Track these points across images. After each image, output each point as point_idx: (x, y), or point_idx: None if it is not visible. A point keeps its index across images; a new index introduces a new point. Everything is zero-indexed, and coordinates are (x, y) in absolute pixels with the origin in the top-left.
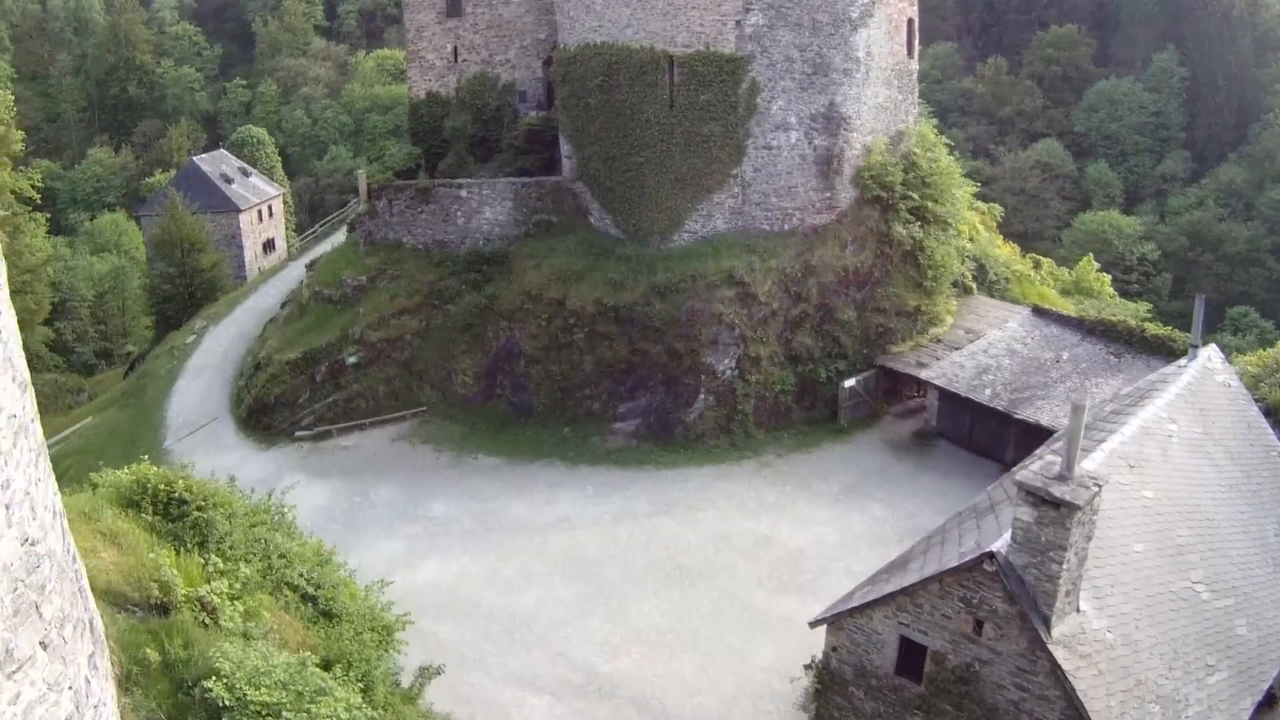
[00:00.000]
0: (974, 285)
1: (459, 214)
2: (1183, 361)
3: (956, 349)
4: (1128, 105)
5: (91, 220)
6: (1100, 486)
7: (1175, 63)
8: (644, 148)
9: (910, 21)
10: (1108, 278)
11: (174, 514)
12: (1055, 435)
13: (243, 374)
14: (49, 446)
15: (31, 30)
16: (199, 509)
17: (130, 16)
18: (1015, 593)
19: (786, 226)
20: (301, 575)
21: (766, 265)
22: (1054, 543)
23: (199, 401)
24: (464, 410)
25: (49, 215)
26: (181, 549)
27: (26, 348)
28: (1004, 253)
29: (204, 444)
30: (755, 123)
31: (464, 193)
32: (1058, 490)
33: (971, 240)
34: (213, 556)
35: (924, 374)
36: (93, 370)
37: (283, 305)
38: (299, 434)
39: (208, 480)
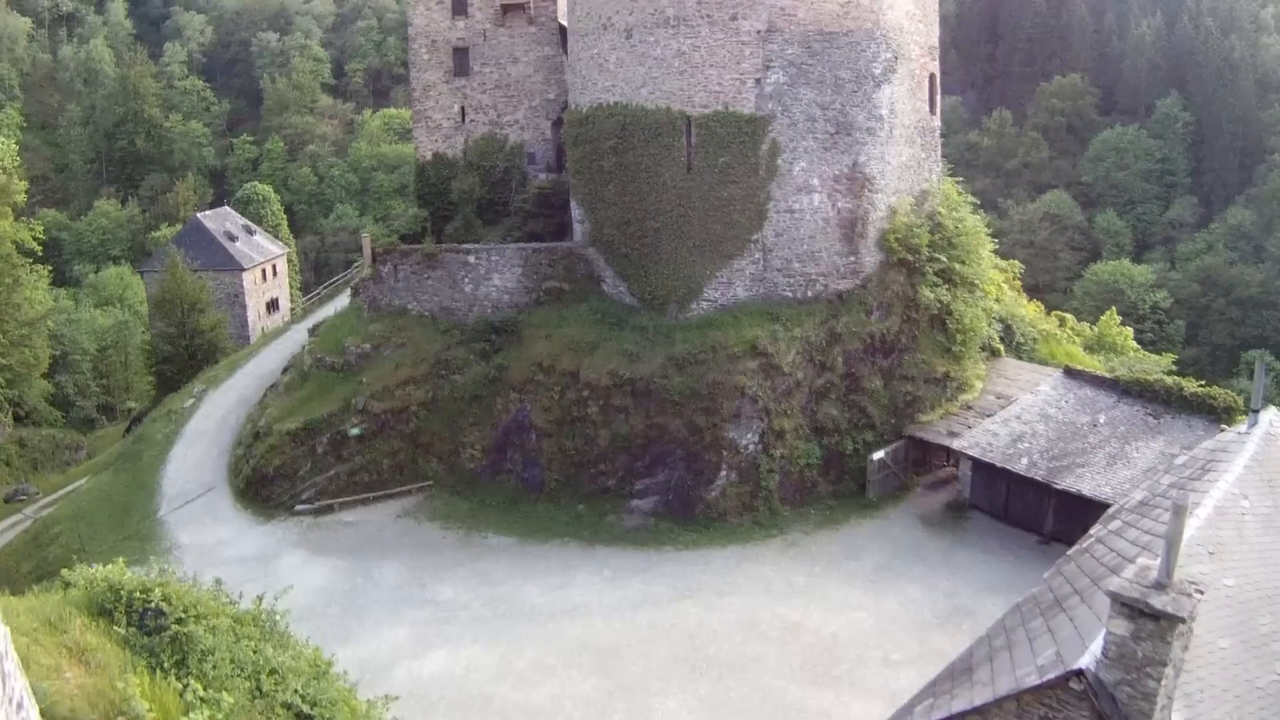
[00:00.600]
0: (1001, 347)
1: (466, 280)
2: (1243, 428)
3: (988, 416)
4: (1133, 153)
5: (96, 273)
6: (1202, 594)
7: (1179, 108)
8: (660, 212)
9: (932, 77)
10: (1129, 331)
11: (150, 626)
12: (1110, 512)
13: (241, 443)
14: (43, 509)
15: (42, 79)
16: (178, 622)
17: (140, 70)
18: (1106, 712)
19: (810, 293)
20: (296, 691)
21: (790, 334)
22: (1152, 658)
23: (196, 469)
24: (472, 486)
25: (53, 266)
26: (158, 668)
27: (23, 402)
28: (1029, 312)
29: (200, 515)
30: (776, 185)
31: (472, 258)
32: (1158, 601)
33: (997, 300)
34: (192, 681)
35: (956, 444)
36: (93, 425)
37: (284, 371)
38: (299, 508)
39: (189, 587)
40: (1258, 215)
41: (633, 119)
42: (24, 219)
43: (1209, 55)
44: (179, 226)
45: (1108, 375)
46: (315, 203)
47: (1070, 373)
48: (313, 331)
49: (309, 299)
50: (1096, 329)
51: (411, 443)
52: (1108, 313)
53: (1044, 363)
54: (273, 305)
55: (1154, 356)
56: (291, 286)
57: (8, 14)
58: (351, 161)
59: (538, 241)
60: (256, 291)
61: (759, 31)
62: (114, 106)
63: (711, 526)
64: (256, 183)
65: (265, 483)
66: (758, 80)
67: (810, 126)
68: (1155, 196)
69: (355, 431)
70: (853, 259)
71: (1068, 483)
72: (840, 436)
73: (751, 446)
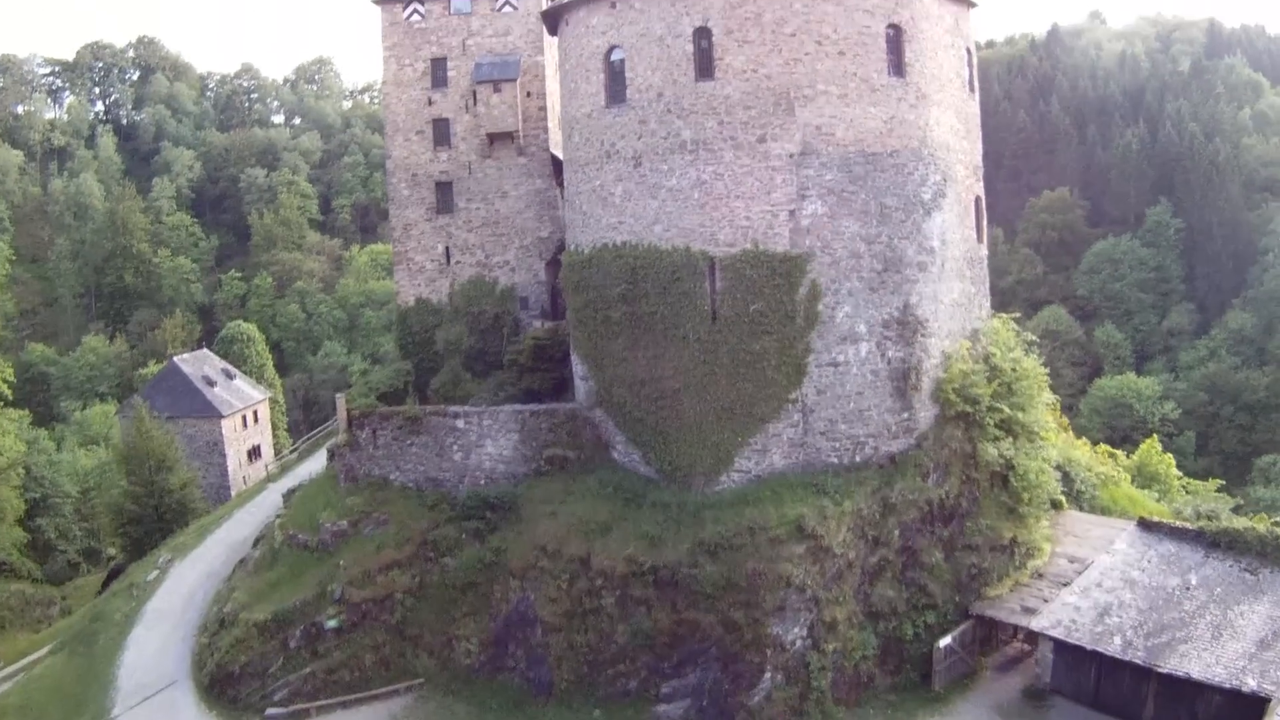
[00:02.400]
0: (1063, 499)
1: (456, 448)
2: None
3: (1063, 584)
4: (1128, 263)
5: (83, 409)
6: None
7: (1169, 215)
8: (681, 370)
9: (978, 200)
10: (1171, 458)
11: None
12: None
13: (207, 628)
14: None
15: (32, 212)
16: None
17: (128, 205)
18: None
19: (858, 458)
20: None
21: (840, 509)
22: None
23: (156, 657)
24: (469, 685)
25: (40, 401)
26: None
27: None
28: (1084, 453)
29: (158, 716)
30: (818, 334)
31: (461, 422)
32: None
33: (1053, 446)
34: None
35: (1035, 624)
36: (76, 570)
37: (255, 544)
38: (270, 712)
39: None
40: (1257, 318)
41: (645, 261)
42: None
43: (1195, 161)
44: (165, 364)
45: (1190, 527)
46: (303, 340)
47: (1145, 525)
48: (287, 498)
49: (289, 453)
50: (1136, 458)
51: (397, 635)
52: (1148, 441)
53: (1108, 511)
54: (254, 453)
55: (1198, 483)
56: (278, 428)
57: (0, 146)
58: (339, 298)
59: (535, 399)
60: (237, 439)
61: (792, 155)
62: (103, 241)
63: None
64: (241, 321)
65: (232, 681)
66: (792, 212)
67: (854, 264)
68: (1151, 306)
69: (333, 624)
70: (906, 416)
71: (1173, 664)
72: (898, 621)
73: (799, 642)
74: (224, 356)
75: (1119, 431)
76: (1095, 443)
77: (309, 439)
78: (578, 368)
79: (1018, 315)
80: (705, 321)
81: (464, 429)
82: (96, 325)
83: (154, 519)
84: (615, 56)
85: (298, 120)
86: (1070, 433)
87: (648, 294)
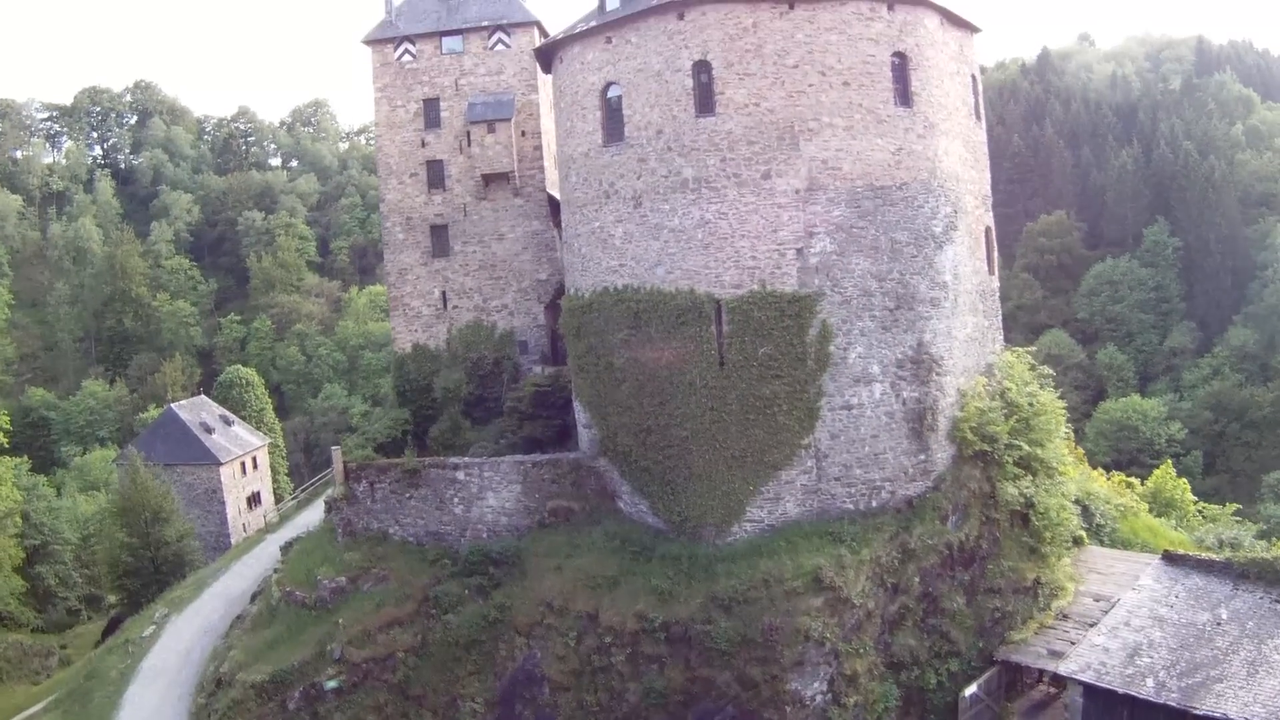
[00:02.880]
0: (1084, 533)
1: (456, 501)
2: None
3: (1090, 624)
4: (1127, 284)
5: (83, 454)
6: None
7: (1166, 234)
8: (688, 418)
9: (988, 231)
10: (1186, 483)
11: None
12: None
13: (204, 688)
14: None
15: (31, 256)
16: None
17: (127, 249)
18: None
19: (875, 503)
20: None
21: (858, 558)
22: None
23: (151, 718)
24: None
25: (40, 446)
26: None
27: None
28: (1101, 484)
29: None
30: (830, 377)
31: (461, 474)
32: None
33: (1072, 480)
34: None
35: (1063, 668)
36: (76, 617)
37: (252, 599)
38: None
39: None
40: (1259, 333)
41: (648, 305)
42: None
43: (1190, 178)
44: (163, 410)
45: (1217, 558)
46: (304, 382)
47: (1171, 558)
48: (285, 550)
49: (290, 499)
50: (1151, 483)
51: (400, 695)
52: (1163, 466)
53: (1128, 543)
54: (254, 500)
55: (1215, 508)
56: (278, 472)
57: None
58: (339, 340)
59: (536, 447)
60: (236, 486)
61: (798, 191)
62: (102, 285)
63: None
64: (240, 366)
65: None
66: (800, 250)
67: (866, 302)
68: (1153, 326)
69: (332, 684)
70: (923, 457)
71: (1209, 705)
72: (921, 670)
73: (819, 698)
74: (223, 401)
75: (1126, 454)
76: (1103, 468)
77: (308, 487)
78: (580, 415)
79: (1031, 350)
80: (712, 367)
81: (464, 481)
82: (96, 369)
83: (151, 571)
84: (612, 93)
85: (295, 163)
86: (1085, 463)
87: (651, 339)
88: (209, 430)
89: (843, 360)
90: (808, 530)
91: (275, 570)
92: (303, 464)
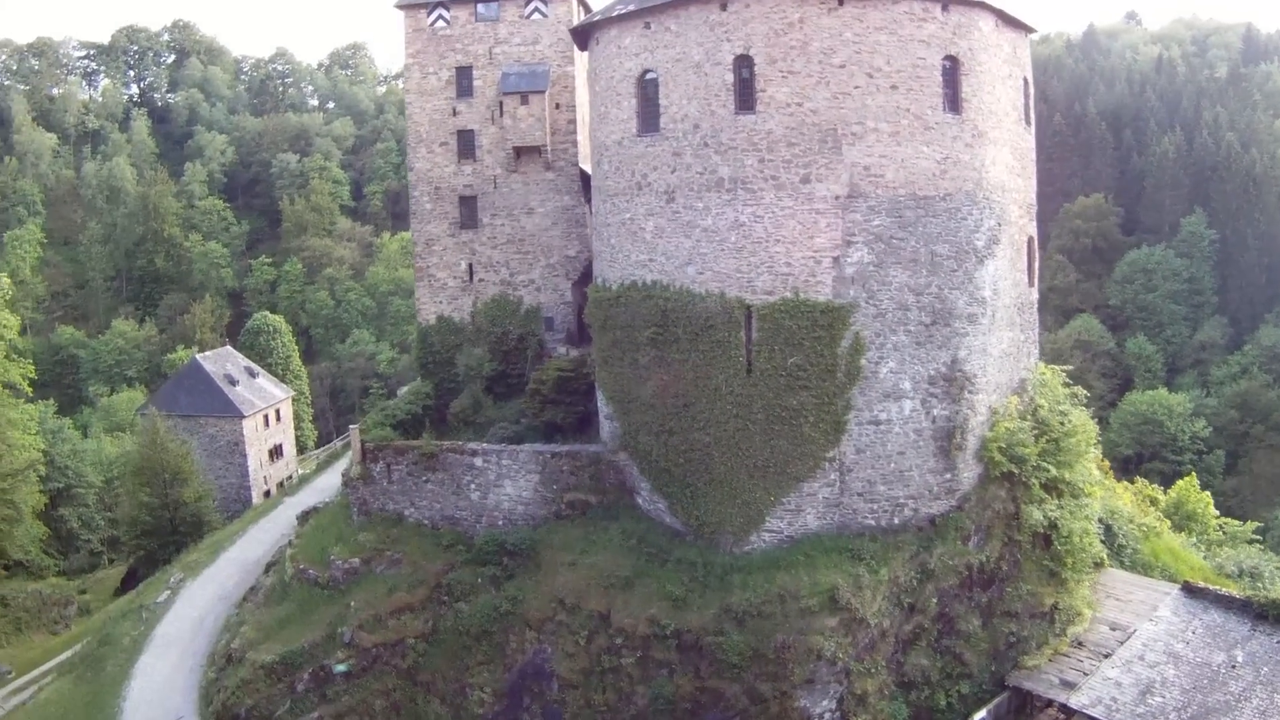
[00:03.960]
0: (1105, 555)
1: (473, 487)
2: None
3: (1104, 654)
4: (1160, 274)
5: (110, 395)
6: None
7: (1204, 225)
8: (712, 423)
9: (1030, 240)
10: (1209, 497)
11: None
12: None
13: (214, 662)
14: (11, 694)
15: (65, 195)
16: None
17: (160, 189)
18: None
19: (897, 520)
20: None
21: (876, 578)
22: None
23: (163, 689)
24: None
25: (68, 384)
26: None
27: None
28: (1126, 501)
29: None
30: (859, 391)
31: (479, 461)
32: None
33: (1098, 500)
34: None
35: (1075, 701)
36: (97, 562)
37: (267, 569)
38: None
39: None
40: None
41: (676, 305)
42: (13, 357)
43: (1231, 171)
44: (194, 350)
45: (1237, 595)
46: (332, 327)
47: (1191, 591)
48: (302, 520)
49: (310, 456)
50: (1174, 493)
51: (409, 680)
52: (1187, 479)
53: (1149, 566)
54: (276, 452)
55: (1235, 523)
56: (302, 420)
57: (34, 130)
58: (369, 285)
59: (556, 431)
60: (258, 439)
61: (838, 197)
62: (134, 225)
63: None
64: (267, 313)
65: None
66: (836, 259)
67: (902, 316)
68: (1184, 318)
69: (342, 668)
70: (949, 476)
71: None
72: (931, 690)
73: (828, 715)
74: (250, 348)
75: (1149, 448)
76: (1124, 460)
77: (329, 448)
78: (603, 406)
79: (1064, 371)
80: (740, 374)
81: (482, 467)
82: (126, 309)
83: (169, 530)
84: (648, 81)
85: (331, 105)
86: (1111, 476)
87: (679, 340)
88: (233, 382)
89: (874, 374)
90: (827, 545)
91: (290, 544)
92: (328, 409)
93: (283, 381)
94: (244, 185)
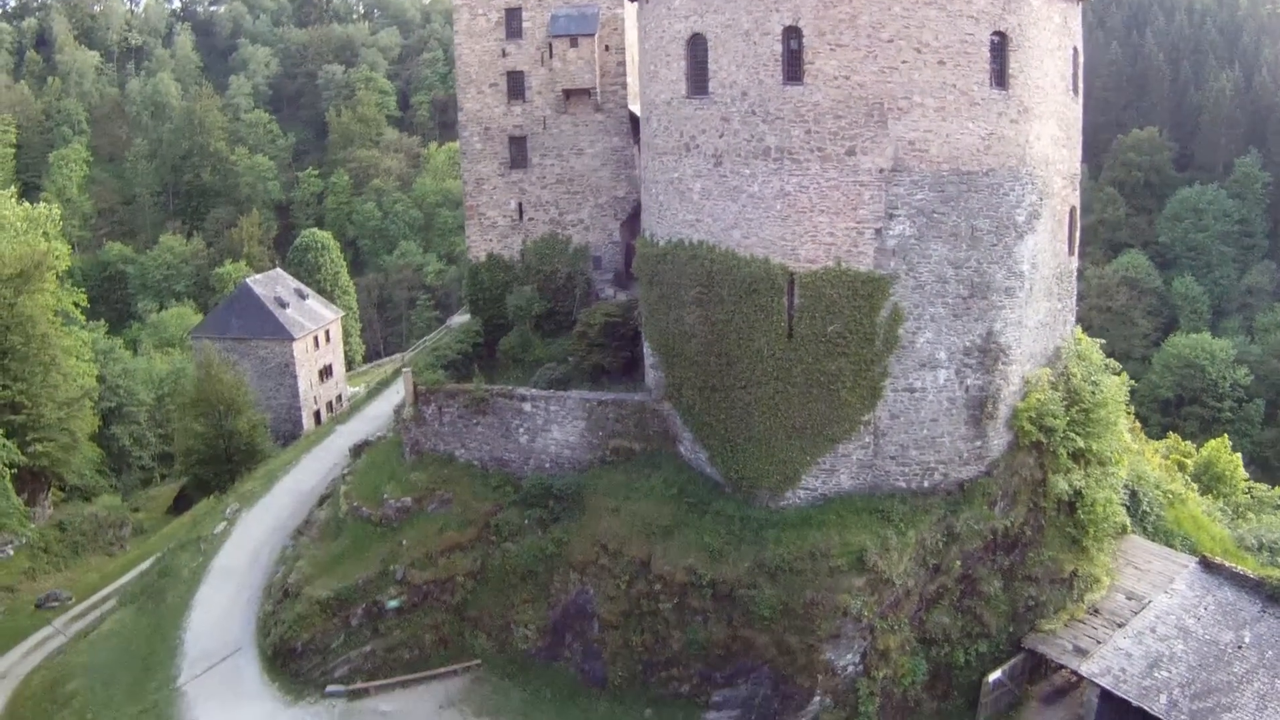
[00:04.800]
0: (1128, 522)
1: (521, 430)
2: None
3: (1119, 623)
4: (1211, 214)
5: (160, 310)
6: None
7: (1258, 167)
8: (753, 383)
9: (1073, 211)
10: (1239, 459)
11: None
12: None
13: (271, 595)
14: (73, 620)
15: (110, 112)
16: None
17: (206, 103)
18: None
19: (927, 483)
20: None
21: (904, 539)
22: None
23: (222, 620)
24: (525, 670)
25: (117, 300)
26: None
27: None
28: (1153, 466)
29: (222, 687)
30: (896, 359)
31: (528, 406)
32: None
33: (1125, 467)
34: None
35: (1085, 669)
36: (150, 478)
37: (321, 501)
38: (331, 689)
39: None
40: None
41: (722, 268)
42: (66, 286)
43: None
44: (243, 263)
45: (1251, 575)
46: (379, 238)
47: (1208, 566)
48: (355, 453)
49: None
50: (1205, 453)
51: (457, 616)
52: (1218, 440)
53: (1171, 534)
54: (326, 372)
55: (1262, 488)
56: (350, 335)
57: (76, 49)
58: (416, 197)
59: (602, 374)
60: (308, 360)
61: (882, 171)
62: (180, 140)
63: None
64: (315, 230)
65: (294, 656)
66: (878, 231)
67: (940, 289)
68: (1233, 260)
69: (394, 604)
70: (979, 443)
71: None
72: (951, 648)
73: (851, 669)
74: (299, 265)
75: (1189, 392)
76: (1163, 404)
77: (377, 369)
78: (649, 355)
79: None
80: (781, 338)
81: (530, 412)
82: (174, 224)
83: (223, 460)
84: (698, 45)
85: (377, 14)
86: (1142, 436)
87: (723, 300)
88: (283, 305)
89: (911, 344)
90: (858, 505)
91: (344, 479)
92: (375, 320)
93: (330, 297)
94: (289, 98)
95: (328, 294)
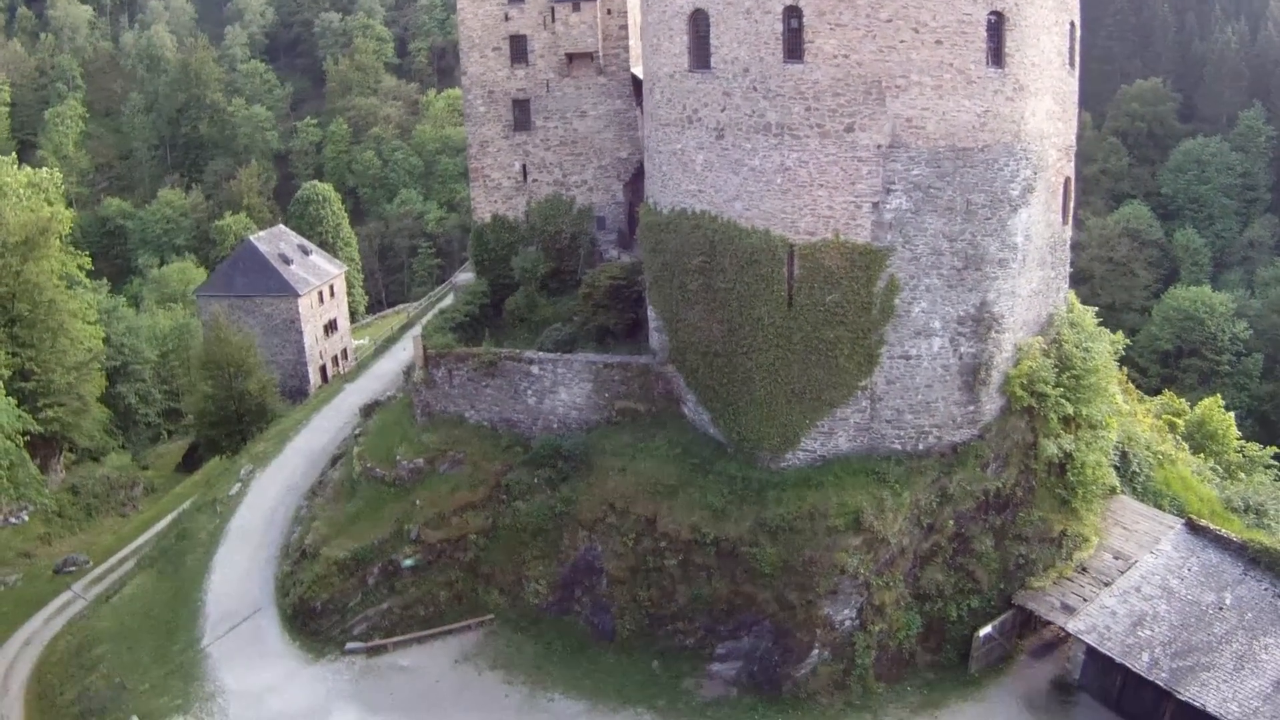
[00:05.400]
0: (1116, 483)
1: (530, 392)
2: None
3: (1105, 582)
4: (1215, 166)
5: (160, 266)
6: None
7: (1262, 120)
8: (754, 350)
9: (1068, 181)
10: (1231, 418)
11: None
12: None
13: (289, 554)
14: (92, 584)
15: (105, 66)
16: None
17: (201, 55)
18: None
19: (921, 446)
20: None
21: (899, 500)
22: None
23: (241, 581)
24: (537, 623)
25: (117, 256)
26: None
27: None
28: (1145, 426)
29: (245, 647)
30: (892, 327)
31: (536, 369)
32: None
33: (1115, 429)
34: None
35: (1072, 626)
36: (157, 435)
37: (333, 462)
38: (350, 646)
39: None
40: None
41: (724, 238)
42: (70, 250)
43: None
44: (243, 215)
45: (1234, 538)
46: (379, 187)
47: (1193, 528)
48: (366, 414)
49: (364, 321)
50: (1199, 412)
51: (471, 572)
52: (1212, 399)
53: (1160, 494)
54: (331, 327)
55: (1254, 446)
56: (354, 286)
57: (69, 4)
58: (416, 144)
59: (607, 335)
60: (313, 316)
61: (879, 147)
62: (176, 93)
63: (800, 708)
64: (316, 182)
65: (313, 615)
66: (875, 205)
67: (935, 261)
68: (1235, 212)
69: (409, 563)
70: (972, 408)
71: (1192, 692)
72: (944, 603)
73: (848, 623)
74: (300, 218)
75: (1189, 344)
76: (1163, 355)
77: (383, 323)
78: (653, 319)
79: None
80: (781, 307)
81: (538, 375)
82: (172, 177)
83: (234, 421)
84: (700, 20)
85: None
86: (1135, 396)
87: (725, 270)
88: (287, 261)
89: (906, 313)
90: (855, 467)
91: (355, 439)
92: (377, 269)
93: (333, 249)
94: (286, 47)
95: (330, 247)
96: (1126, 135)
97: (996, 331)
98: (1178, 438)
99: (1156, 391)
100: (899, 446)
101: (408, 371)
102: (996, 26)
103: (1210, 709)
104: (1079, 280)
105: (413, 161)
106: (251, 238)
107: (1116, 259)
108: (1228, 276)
